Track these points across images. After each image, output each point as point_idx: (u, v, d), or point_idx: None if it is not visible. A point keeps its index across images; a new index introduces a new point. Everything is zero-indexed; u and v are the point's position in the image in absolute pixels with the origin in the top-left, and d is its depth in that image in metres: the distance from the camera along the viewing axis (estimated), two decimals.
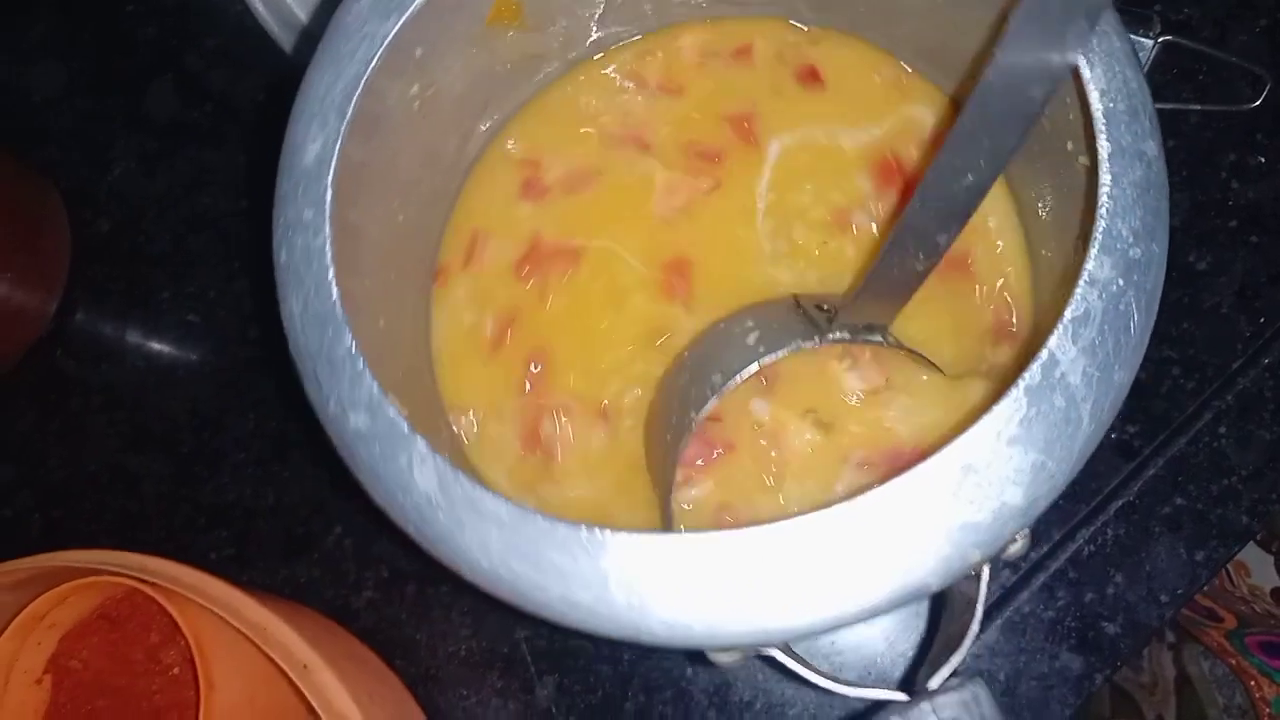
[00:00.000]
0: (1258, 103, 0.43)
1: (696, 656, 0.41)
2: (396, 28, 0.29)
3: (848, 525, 0.23)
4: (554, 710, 0.43)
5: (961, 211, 0.25)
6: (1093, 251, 0.25)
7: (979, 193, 0.24)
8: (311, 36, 0.40)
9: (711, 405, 0.31)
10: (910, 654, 0.40)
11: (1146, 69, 0.43)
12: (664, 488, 0.33)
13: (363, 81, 0.29)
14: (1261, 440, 0.39)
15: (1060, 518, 0.40)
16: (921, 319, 0.34)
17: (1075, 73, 0.27)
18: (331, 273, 0.28)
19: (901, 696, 0.25)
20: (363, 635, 0.44)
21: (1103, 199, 0.26)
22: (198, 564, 0.37)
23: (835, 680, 0.26)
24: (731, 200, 0.37)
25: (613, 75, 0.40)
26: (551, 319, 0.37)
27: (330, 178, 0.28)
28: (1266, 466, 0.39)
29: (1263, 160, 0.43)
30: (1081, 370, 0.24)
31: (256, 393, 0.49)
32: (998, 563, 0.29)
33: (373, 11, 0.29)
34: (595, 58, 0.40)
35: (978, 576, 0.26)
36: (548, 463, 0.36)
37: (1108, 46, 0.27)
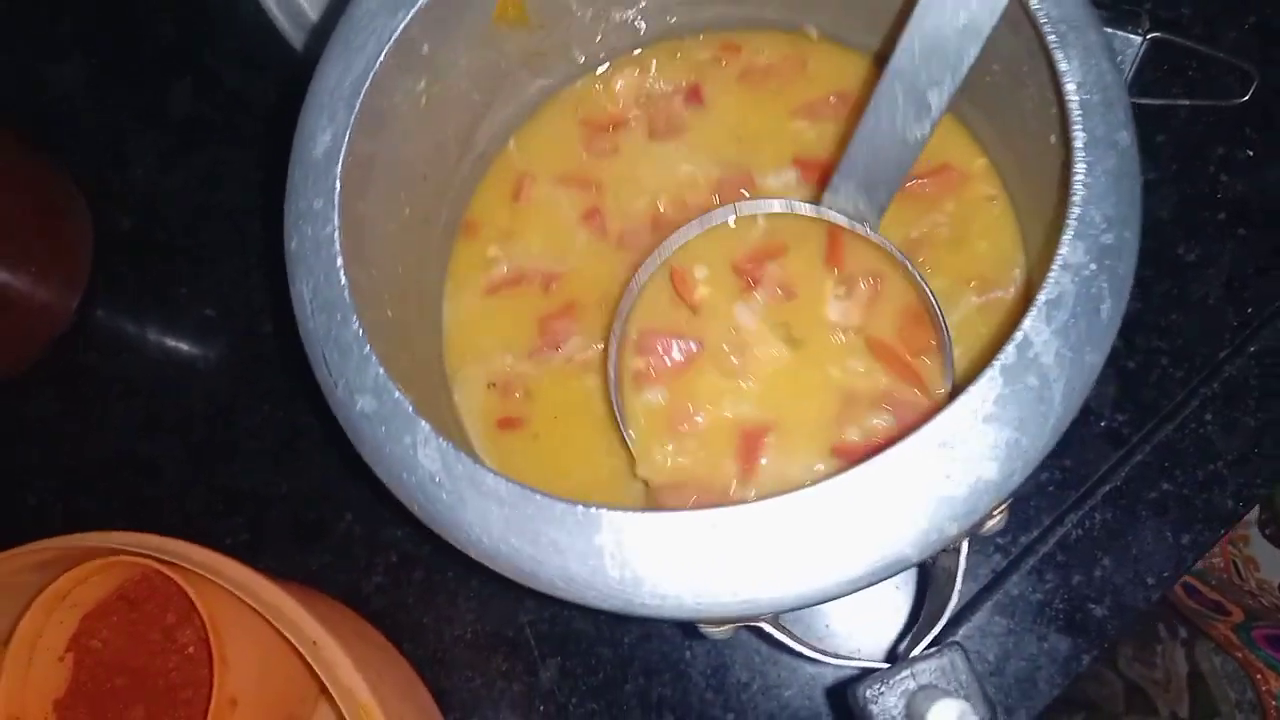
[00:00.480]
0: (1246, 98, 0.43)
1: (690, 629, 0.42)
2: (404, 23, 0.30)
3: (830, 502, 0.24)
4: (556, 692, 0.44)
5: (954, 62, 0.25)
6: (1067, 236, 0.26)
7: (974, 37, 0.24)
8: (322, 34, 0.41)
9: (673, 248, 0.31)
10: (899, 631, 0.41)
11: (1136, 65, 0.44)
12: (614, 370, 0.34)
13: (371, 76, 0.30)
14: (1246, 426, 0.40)
15: (1050, 504, 0.41)
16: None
17: (1051, 66, 0.28)
18: (340, 260, 0.29)
19: (883, 665, 0.26)
20: (372, 619, 0.46)
21: (1077, 186, 0.26)
22: (213, 548, 0.39)
23: (821, 651, 0.27)
24: None
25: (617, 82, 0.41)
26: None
27: (339, 169, 0.29)
28: (1251, 452, 0.39)
29: (1251, 154, 0.44)
30: (1055, 351, 0.25)
31: (269, 384, 0.50)
32: (977, 537, 0.30)
33: (381, 7, 0.31)
34: (600, 70, 0.41)
35: (957, 551, 0.27)
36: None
37: (1084, 41, 0.28)
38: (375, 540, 0.47)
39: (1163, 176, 0.44)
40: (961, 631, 0.40)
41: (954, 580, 0.27)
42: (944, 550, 0.26)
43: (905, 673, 0.26)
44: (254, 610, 0.37)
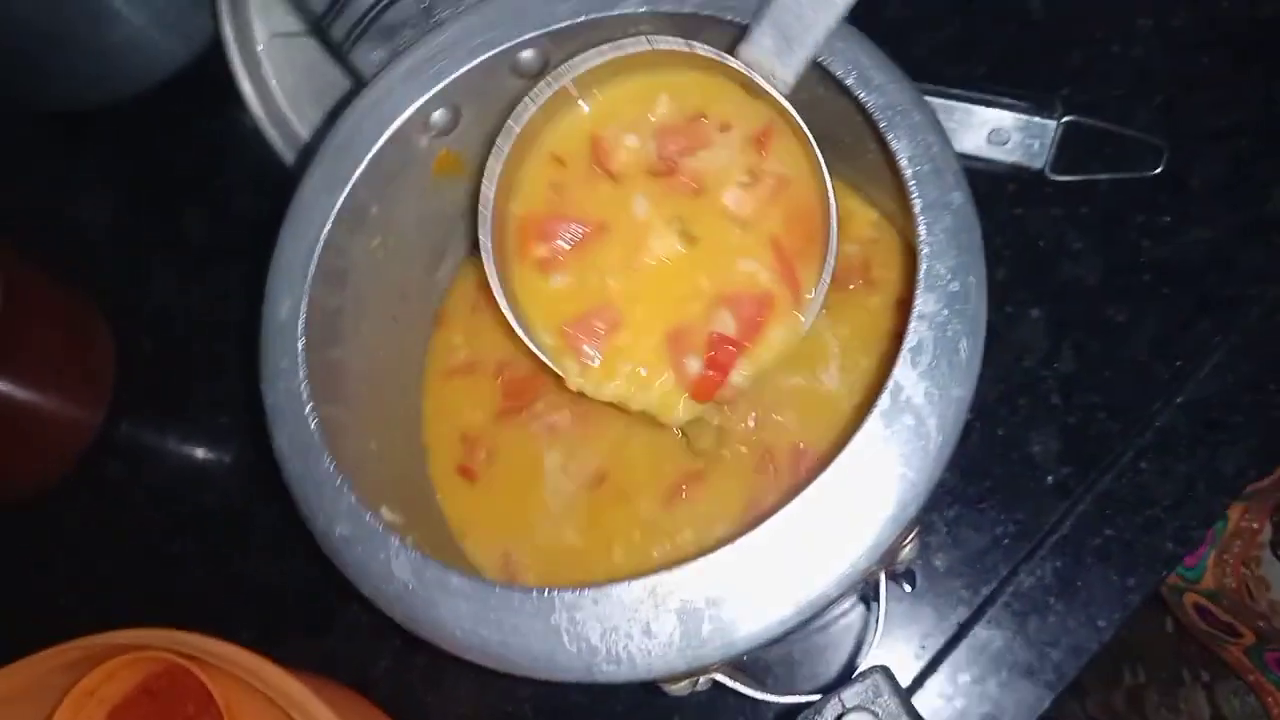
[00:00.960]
0: (1159, 169, 0.48)
1: (652, 688, 0.45)
2: (344, 195, 0.34)
3: (753, 554, 0.27)
4: None
5: None
6: (919, 290, 0.29)
7: None
8: (309, 150, 0.44)
9: (576, 71, 0.33)
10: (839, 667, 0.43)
11: (1055, 147, 0.48)
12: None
13: (320, 244, 0.34)
14: (1179, 473, 0.42)
15: (1005, 556, 0.43)
16: None
17: (884, 145, 0.31)
18: (309, 408, 0.32)
19: (815, 698, 0.29)
20: (381, 703, 0.48)
21: (922, 246, 0.29)
22: (230, 640, 0.42)
23: (767, 690, 0.30)
24: None
25: None
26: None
27: (300, 329, 0.33)
28: (1186, 496, 0.42)
29: (1168, 219, 0.48)
30: (924, 391, 0.28)
31: (279, 484, 0.54)
32: (895, 566, 0.32)
33: (324, 184, 0.35)
34: None
35: (876, 583, 0.30)
36: None
37: (909, 121, 0.31)
38: (381, 627, 0.50)
39: (1088, 246, 0.48)
40: (929, 685, 0.42)
41: (877, 610, 0.30)
42: (864, 583, 0.28)
43: (834, 700, 0.28)
44: (267, 697, 0.40)
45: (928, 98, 0.48)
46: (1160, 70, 0.50)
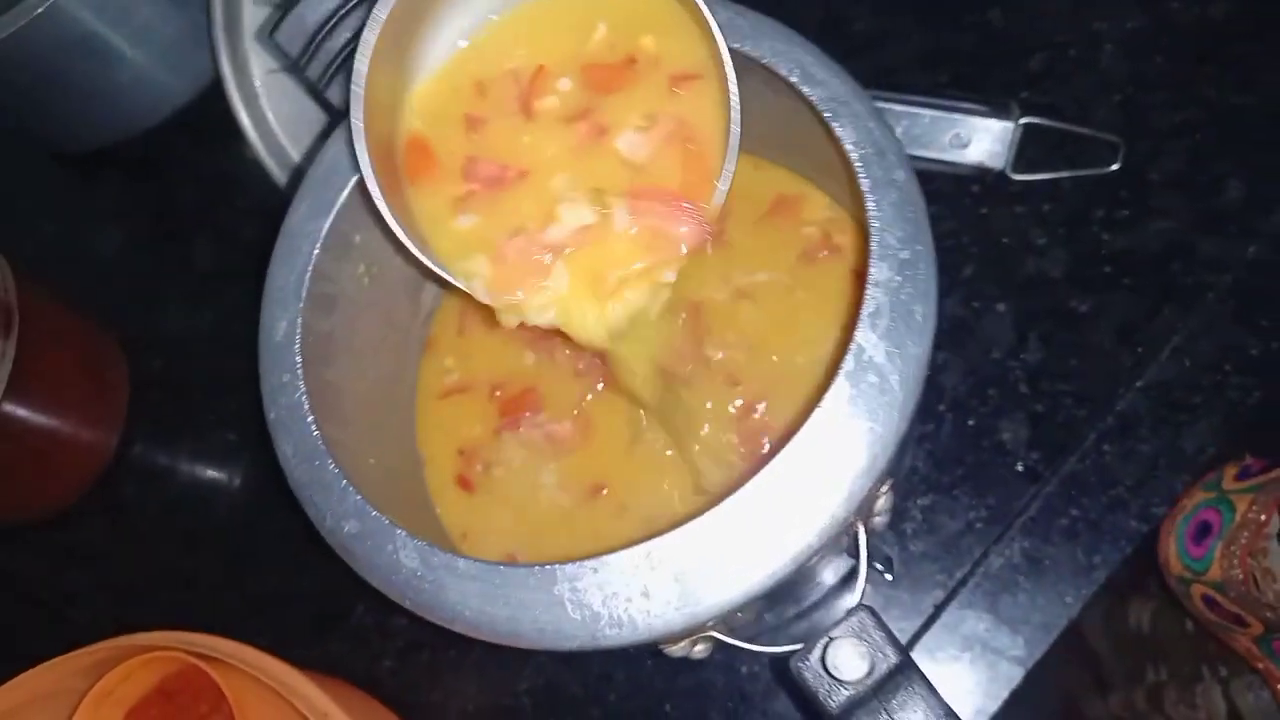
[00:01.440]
0: (1117, 165, 0.50)
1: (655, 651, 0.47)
2: (329, 223, 0.37)
3: (739, 513, 0.29)
4: None
5: None
6: (872, 260, 0.31)
7: None
8: (300, 172, 0.46)
9: None
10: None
11: (1015, 148, 0.50)
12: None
13: (309, 270, 0.36)
14: (1141, 454, 0.44)
15: (978, 539, 0.45)
16: None
17: (830, 133, 0.33)
18: (311, 418, 0.34)
19: (801, 645, 0.31)
20: (386, 700, 0.50)
21: (872, 220, 0.31)
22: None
23: (757, 645, 0.32)
24: None
25: None
26: None
27: (297, 347, 0.35)
28: (1148, 476, 0.44)
29: (1128, 213, 0.50)
30: (884, 351, 0.30)
31: (285, 496, 0.56)
32: (870, 519, 0.34)
33: (310, 213, 0.37)
34: None
35: (855, 534, 0.32)
36: None
37: (852, 110, 0.33)
38: (385, 628, 0.52)
39: (1051, 241, 0.50)
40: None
41: (860, 555, 0.32)
42: (846, 535, 0.30)
43: (823, 640, 0.30)
44: (278, 694, 0.42)
45: (892, 105, 0.51)
46: (1117, 71, 0.52)
